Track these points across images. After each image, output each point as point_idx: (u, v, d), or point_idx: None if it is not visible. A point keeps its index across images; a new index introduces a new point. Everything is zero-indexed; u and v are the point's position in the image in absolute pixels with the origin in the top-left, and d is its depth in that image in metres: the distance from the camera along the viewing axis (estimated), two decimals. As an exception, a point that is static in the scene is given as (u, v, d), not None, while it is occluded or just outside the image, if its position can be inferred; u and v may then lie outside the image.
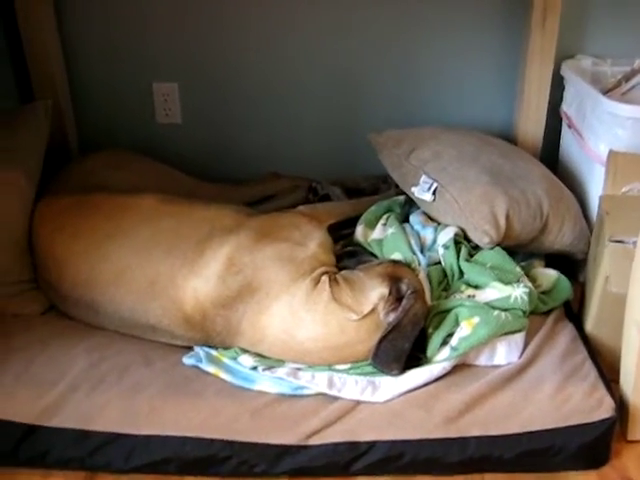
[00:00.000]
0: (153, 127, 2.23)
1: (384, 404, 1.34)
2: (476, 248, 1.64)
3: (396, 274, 1.44)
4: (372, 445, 1.29)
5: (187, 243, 1.51)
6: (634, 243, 1.38)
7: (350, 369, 1.40)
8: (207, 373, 1.42)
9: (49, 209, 1.67)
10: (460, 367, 1.41)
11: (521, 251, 1.72)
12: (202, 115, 2.22)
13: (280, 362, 1.43)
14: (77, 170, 1.83)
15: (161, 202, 1.63)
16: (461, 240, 1.64)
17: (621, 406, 1.39)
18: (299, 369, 1.41)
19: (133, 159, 1.95)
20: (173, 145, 2.24)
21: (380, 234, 1.71)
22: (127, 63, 2.15)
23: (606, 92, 1.93)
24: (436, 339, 1.42)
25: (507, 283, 1.51)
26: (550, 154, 2.10)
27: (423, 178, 1.72)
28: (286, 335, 1.41)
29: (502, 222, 1.59)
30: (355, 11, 2.08)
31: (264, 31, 2.11)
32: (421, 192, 1.71)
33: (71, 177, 1.80)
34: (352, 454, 1.29)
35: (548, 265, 1.73)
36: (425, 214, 1.78)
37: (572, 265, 1.79)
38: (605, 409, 1.32)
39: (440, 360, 1.39)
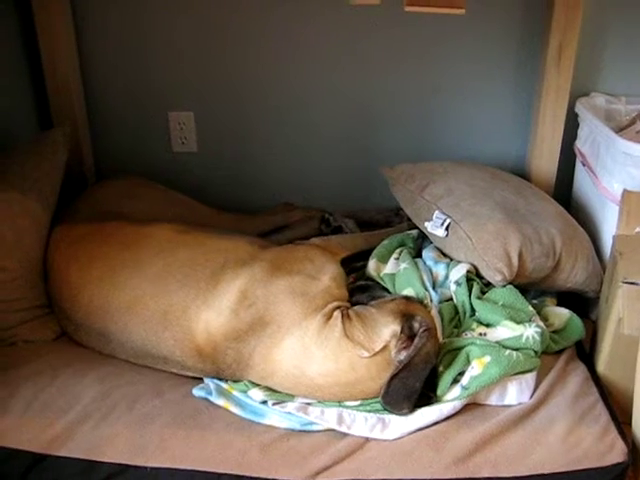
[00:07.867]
0: (169, 155, 2.25)
1: (393, 442, 1.33)
2: (488, 285, 1.63)
3: (409, 311, 1.43)
4: (380, 484, 1.27)
5: (201, 274, 1.51)
6: (648, 285, 1.38)
7: (360, 405, 1.40)
8: (217, 406, 1.41)
9: (64, 236, 1.69)
10: (470, 406, 1.40)
11: (533, 289, 1.71)
12: (218, 144, 2.24)
13: (290, 397, 1.43)
14: (93, 198, 1.85)
15: (176, 232, 1.64)
16: (473, 277, 1.63)
17: (633, 450, 1.37)
18: (309, 404, 1.41)
19: (148, 187, 1.97)
20: (189, 173, 2.26)
21: (393, 269, 1.71)
22: (143, 92, 2.17)
23: (620, 130, 1.94)
24: (447, 378, 1.41)
25: (519, 322, 1.50)
26: (563, 191, 2.09)
27: (436, 214, 1.73)
28: (297, 370, 1.41)
29: (515, 260, 1.59)
30: (371, 48, 2.10)
31: (279, 60, 2.13)
32: (434, 227, 1.71)
33: (87, 205, 1.81)
34: (360, 493, 1.27)
35: (560, 302, 1.72)
36: (438, 249, 1.77)
37: (584, 302, 1.77)
38: (617, 453, 1.30)
39: (450, 399, 1.38)
